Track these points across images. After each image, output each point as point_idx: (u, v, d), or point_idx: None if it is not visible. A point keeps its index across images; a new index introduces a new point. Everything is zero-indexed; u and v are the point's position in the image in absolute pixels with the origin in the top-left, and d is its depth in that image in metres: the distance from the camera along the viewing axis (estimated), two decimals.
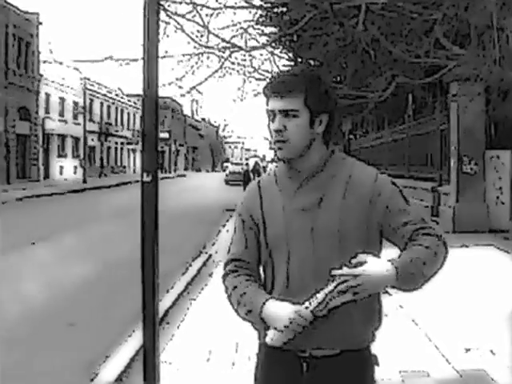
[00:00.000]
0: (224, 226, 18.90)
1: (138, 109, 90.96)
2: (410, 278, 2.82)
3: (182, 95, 18.30)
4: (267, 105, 2.82)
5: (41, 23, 56.82)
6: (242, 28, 17.11)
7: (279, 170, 2.92)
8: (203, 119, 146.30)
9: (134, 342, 7.13)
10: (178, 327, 8.13)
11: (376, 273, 2.64)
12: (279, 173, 2.91)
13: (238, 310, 2.87)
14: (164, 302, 9.10)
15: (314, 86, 2.79)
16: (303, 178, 2.80)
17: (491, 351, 6.79)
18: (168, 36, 14.59)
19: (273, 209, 2.84)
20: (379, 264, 2.67)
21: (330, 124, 2.86)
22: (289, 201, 2.80)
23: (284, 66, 26.70)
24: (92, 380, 6.38)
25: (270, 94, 2.79)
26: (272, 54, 20.30)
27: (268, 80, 2.87)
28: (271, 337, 2.71)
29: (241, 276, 2.90)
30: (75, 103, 67.04)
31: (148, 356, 4.42)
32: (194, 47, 16.12)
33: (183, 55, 16.49)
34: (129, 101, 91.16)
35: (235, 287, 2.88)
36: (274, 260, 2.85)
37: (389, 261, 2.69)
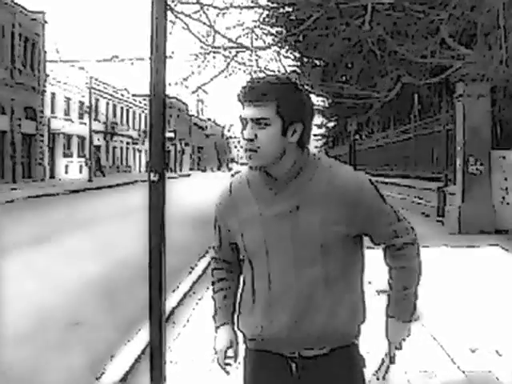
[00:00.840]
0: None
1: (143, 109, 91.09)
2: (412, 308, 3.15)
3: (193, 92, 18.33)
4: (241, 110, 2.75)
5: (47, 22, 56.85)
6: (248, 28, 17.12)
7: (251, 176, 2.86)
8: (209, 119, 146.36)
9: (140, 341, 7.14)
10: (183, 326, 8.14)
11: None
12: (252, 178, 2.85)
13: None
14: (170, 302, 9.09)
15: (288, 94, 2.71)
16: (280, 184, 2.75)
17: (497, 352, 6.78)
18: (171, 33, 14.58)
19: (249, 216, 2.81)
20: (399, 332, 3.15)
21: (305, 132, 2.78)
22: (266, 207, 2.76)
23: (290, 65, 26.74)
24: (98, 379, 6.38)
25: (242, 101, 2.73)
26: (278, 53, 20.32)
27: (244, 84, 2.77)
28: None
29: (220, 281, 3.13)
30: (81, 103, 67.17)
31: (154, 355, 4.43)
32: (201, 47, 16.15)
33: (190, 55, 16.52)
34: (134, 100, 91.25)
35: (215, 291, 3.15)
36: (253, 265, 2.86)
37: (394, 317, 3.04)
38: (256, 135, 2.68)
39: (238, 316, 3.03)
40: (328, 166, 2.80)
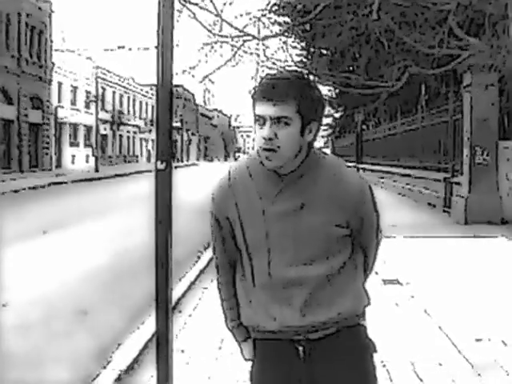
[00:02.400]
0: None
1: (150, 98, 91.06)
2: None
3: (201, 81, 18.30)
4: (254, 108, 2.69)
5: (53, 12, 56.86)
6: (255, 17, 17.08)
7: (253, 167, 2.81)
8: (215, 109, 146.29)
9: (147, 329, 7.16)
10: (190, 315, 8.15)
11: None
12: (254, 170, 2.79)
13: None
14: (176, 291, 9.10)
15: (308, 93, 2.68)
16: (285, 181, 2.73)
17: (503, 342, 6.78)
18: (178, 21, 14.56)
19: (251, 210, 2.77)
20: None
21: (318, 131, 2.77)
22: (269, 203, 2.73)
23: (297, 55, 26.70)
24: (104, 367, 6.40)
25: (259, 98, 2.66)
26: (285, 43, 20.26)
27: (262, 81, 2.72)
28: None
29: (231, 299, 3.01)
30: (87, 92, 67.20)
31: (161, 344, 4.43)
32: (208, 36, 16.13)
33: (197, 44, 16.52)
34: (141, 90, 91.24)
35: (226, 307, 3.07)
36: (253, 261, 2.83)
37: None
38: (276, 134, 2.62)
39: (226, 313, 3.06)
40: (333, 168, 2.79)
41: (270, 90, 2.64)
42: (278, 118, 2.62)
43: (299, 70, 20.88)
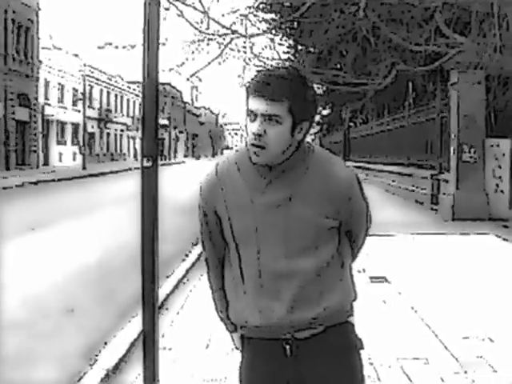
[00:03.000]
0: None
1: (137, 95, 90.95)
2: None
3: (188, 79, 18.27)
4: (247, 102, 2.67)
5: (40, 9, 56.65)
6: (242, 15, 17.06)
7: (241, 160, 2.80)
8: (203, 106, 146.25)
9: (134, 327, 7.14)
10: (177, 313, 8.15)
11: None
12: (242, 163, 2.79)
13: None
14: (164, 289, 9.10)
15: (301, 93, 2.67)
16: (274, 173, 2.72)
17: (490, 339, 6.81)
18: (165, 19, 14.53)
19: (239, 202, 2.75)
20: None
21: (309, 129, 2.77)
22: (257, 195, 2.72)
23: (284, 52, 26.70)
24: (91, 365, 6.39)
25: (253, 93, 2.64)
26: (272, 40, 20.26)
27: (257, 76, 2.70)
28: None
29: (220, 290, 3.00)
30: (75, 90, 67.06)
31: (147, 342, 4.43)
32: (194, 34, 16.10)
33: (184, 41, 16.48)
34: (128, 87, 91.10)
35: (216, 298, 3.05)
36: (241, 254, 2.81)
37: None
38: (265, 131, 2.61)
39: (216, 304, 3.04)
40: (322, 160, 2.79)
41: (264, 86, 2.62)
42: (270, 115, 2.60)
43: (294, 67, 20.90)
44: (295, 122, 2.65)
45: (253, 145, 2.64)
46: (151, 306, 4.38)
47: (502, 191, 17.38)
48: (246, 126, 2.71)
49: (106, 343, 7.09)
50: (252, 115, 2.65)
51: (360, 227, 2.96)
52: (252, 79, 2.71)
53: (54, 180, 38.92)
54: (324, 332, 2.80)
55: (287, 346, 2.79)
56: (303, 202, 2.70)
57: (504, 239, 13.64)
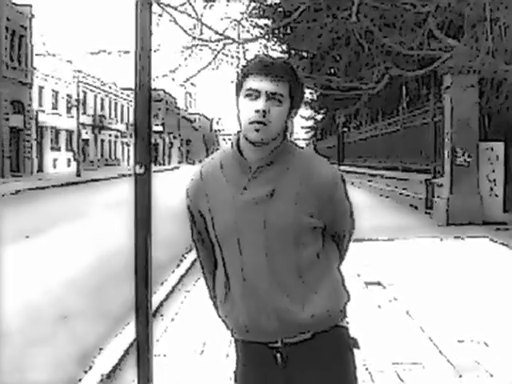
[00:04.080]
0: None
1: (131, 102, 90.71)
2: None
3: (181, 85, 18.28)
4: (245, 83, 2.71)
5: (34, 16, 56.61)
6: (235, 20, 17.07)
7: (224, 159, 2.83)
8: (197, 112, 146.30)
9: (129, 334, 7.13)
10: (172, 320, 8.13)
11: None
12: (225, 161, 2.82)
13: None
14: (158, 295, 9.09)
15: (298, 78, 2.76)
16: (255, 168, 2.72)
17: (485, 343, 6.80)
18: (158, 25, 14.53)
19: (220, 200, 2.77)
20: None
21: (292, 119, 2.84)
22: (238, 192, 2.72)
23: (278, 58, 26.69)
24: (86, 372, 6.37)
25: (256, 72, 2.68)
26: (265, 46, 20.28)
27: (257, 57, 2.77)
28: None
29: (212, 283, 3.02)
30: (69, 96, 66.97)
31: (141, 348, 4.42)
32: (187, 41, 16.10)
33: (177, 48, 16.47)
34: (122, 94, 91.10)
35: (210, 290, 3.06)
36: (224, 254, 2.82)
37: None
38: (269, 110, 2.66)
39: (215, 303, 3.02)
40: (305, 157, 2.81)
41: (269, 65, 2.69)
42: (274, 93, 2.66)
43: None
44: (292, 105, 2.73)
45: (256, 122, 2.66)
46: (145, 313, 4.37)
47: (496, 195, 17.41)
48: (239, 107, 2.73)
49: (100, 349, 7.08)
50: (254, 94, 2.68)
51: (344, 228, 2.95)
52: (251, 60, 2.77)
53: (48, 187, 38.85)
54: (314, 337, 2.78)
55: (278, 354, 2.78)
56: (284, 199, 2.70)
57: (499, 243, 13.64)
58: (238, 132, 2.80)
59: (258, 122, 2.65)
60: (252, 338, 2.81)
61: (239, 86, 2.74)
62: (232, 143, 2.81)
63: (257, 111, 2.65)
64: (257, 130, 2.66)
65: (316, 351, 2.79)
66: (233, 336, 2.98)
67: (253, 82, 2.68)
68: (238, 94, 2.76)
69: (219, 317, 3.02)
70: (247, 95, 2.69)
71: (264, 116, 2.65)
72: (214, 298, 3.01)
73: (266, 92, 2.66)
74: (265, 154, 2.73)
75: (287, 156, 2.76)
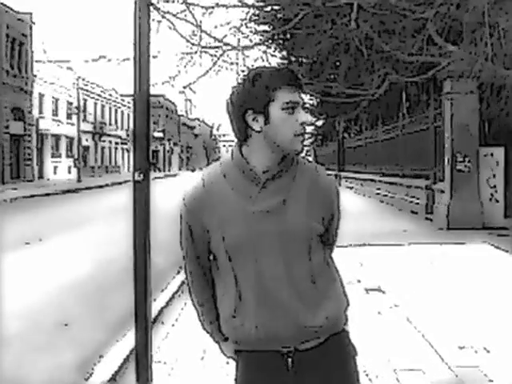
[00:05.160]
0: None
1: (131, 108, 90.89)
2: None
3: (181, 92, 18.31)
4: (273, 96, 2.65)
5: (34, 23, 56.72)
6: (234, 27, 17.07)
7: (227, 170, 2.78)
8: (197, 119, 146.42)
9: (128, 341, 7.11)
10: (172, 326, 8.12)
11: None
12: (229, 173, 2.76)
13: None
14: (158, 302, 9.08)
15: None
16: (264, 178, 2.71)
17: (485, 349, 6.79)
18: (158, 31, 14.53)
19: (229, 211, 2.72)
20: None
21: None
22: (250, 203, 2.69)
23: (278, 64, 26.73)
24: (86, 379, 6.36)
25: (290, 85, 2.67)
26: (265, 52, 20.26)
27: (283, 69, 2.75)
28: None
29: (208, 302, 2.98)
30: (69, 103, 67.03)
31: (140, 356, 4.42)
32: (187, 46, 16.09)
33: (176, 54, 16.47)
34: (123, 100, 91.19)
35: (204, 313, 3.03)
36: (235, 266, 2.76)
37: None
38: None
39: (218, 320, 2.95)
40: (308, 168, 2.84)
41: (297, 78, 2.71)
42: (304, 104, 2.73)
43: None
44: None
45: (301, 134, 2.69)
46: (144, 320, 4.36)
47: (496, 200, 17.41)
48: (273, 120, 2.67)
49: (100, 357, 7.07)
50: (292, 107, 2.67)
51: (334, 236, 3.01)
52: (278, 70, 2.75)
53: (48, 193, 38.86)
54: (324, 343, 2.79)
55: (289, 360, 2.76)
56: (296, 207, 2.71)
57: (499, 248, 13.63)
58: (240, 141, 2.77)
59: (303, 134, 2.70)
60: (264, 346, 2.78)
61: (269, 100, 2.67)
62: (233, 152, 2.78)
63: (302, 123, 2.67)
64: (302, 142, 2.70)
65: (326, 356, 2.80)
66: (221, 341, 3.00)
67: (290, 95, 2.67)
68: (259, 108, 2.68)
69: (210, 331, 3.03)
70: (287, 108, 2.66)
71: (305, 128, 2.71)
72: (207, 311, 2.99)
73: (302, 104, 2.70)
74: (275, 161, 2.73)
75: (292, 166, 2.77)
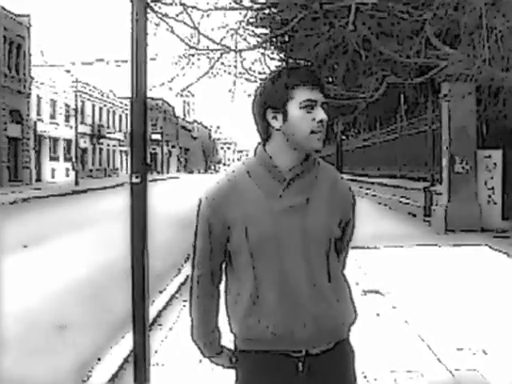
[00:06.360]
0: None
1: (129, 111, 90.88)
2: None
3: (178, 94, 18.28)
4: (290, 95, 2.70)
5: (32, 26, 56.66)
6: (232, 29, 17.08)
7: (252, 168, 2.80)
8: (195, 121, 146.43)
9: (127, 344, 7.11)
10: (170, 329, 8.12)
11: None
12: (253, 171, 2.78)
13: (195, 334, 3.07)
14: (157, 304, 9.08)
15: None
16: (289, 177, 2.73)
17: (483, 351, 6.79)
18: (155, 34, 14.54)
19: (254, 208, 2.72)
20: None
21: None
22: (275, 200, 2.71)
23: (276, 66, 26.75)
24: (84, 382, 6.36)
25: (309, 84, 2.71)
26: (263, 54, 20.27)
27: (302, 68, 2.79)
28: None
29: (209, 313, 2.97)
30: (67, 105, 67.00)
31: (138, 358, 4.41)
32: (185, 49, 16.11)
33: (174, 57, 16.49)
34: (121, 103, 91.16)
35: (203, 323, 3.00)
36: (256, 264, 2.75)
37: None
38: None
39: (229, 320, 2.89)
40: (328, 169, 2.90)
41: (315, 77, 2.75)
42: (324, 103, 2.74)
43: None
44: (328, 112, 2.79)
45: (318, 131, 2.72)
46: (142, 323, 4.36)
47: (494, 202, 17.41)
48: (290, 118, 2.72)
49: (99, 359, 7.06)
50: (310, 105, 2.71)
51: (348, 241, 3.02)
52: (297, 68, 2.79)
53: (47, 196, 38.83)
54: (334, 348, 2.81)
55: (299, 363, 2.76)
56: (317, 207, 2.75)
57: (497, 251, 13.63)
58: (264, 140, 2.82)
59: (321, 132, 2.72)
60: (277, 346, 2.76)
61: (287, 98, 2.72)
62: (256, 151, 2.83)
63: (320, 121, 2.70)
64: (319, 139, 2.72)
65: (334, 361, 2.82)
66: (215, 355, 2.99)
67: (309, 93, 2.70)
68: (279, 106, 2.74)
69: (203, 344, 3.00)
70: (305, 106, 2.70)
71: (323, 125, 2.72)
72: (206, 322, 2.97)
73: (321, 103, 2.74)
74: (300, 159, 2.76)
75: (314, 166, 2.82)
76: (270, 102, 2.75)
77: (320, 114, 2.71)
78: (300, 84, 2.70)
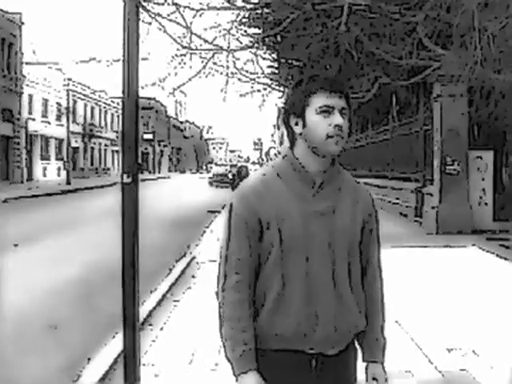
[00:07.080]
0: (207, 227, 18.91)
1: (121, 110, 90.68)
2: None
3: (171, 93, 18.26)
4: (309, 101, 2.80)
5: (23, 24, 56.50)
6: (224, 29, 17.08)
7: (282, 170, 2.87)
8: (187, 121, 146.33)
9: (117, 344, 7.10)
10: (161, 329, 8.11)
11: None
12: (283, 173, 2.85)
13: (225, 344, 2.84)
14: (147, 304, 9.07)
15: (349, 93, 2.90)
16: (319, 182, 2.82)
17: (474, 351, 6.81)
18: (148, 34, 14.52)
19: (286, 207, 2.78)
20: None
21: None
22: (304, 202, 2.79)
23: (268, 66, 26.77)
24: (74, 382, 6.35)
25: (326, 90, 2.79)
26: (255, 54, 20.29)
27: (321, 74, 2.90)
28: None
29: (247, 319, 2.81)
30: (58, 104, 66.75)
31: (128, 358, 4.40)
32: (177, 49, 16.09)
33: (166, 56, 16.50)
34: (112, 102, 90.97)
35: (239, 329, 2.80)
36: (285, 264, 2.78)
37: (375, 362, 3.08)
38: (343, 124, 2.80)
39: (254, 318, 2.84)
40: (350, 178, 3.01)
41: (335, 83, 2.83)
42: (344, 109, 2.81)
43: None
44: (350, 118, 2.86)
45: (333, 135, 2.77)
46: (132, 323, 4.35)
47: (485, 203, 17.45)
48: (308, 124, 2.81)
49: (89, 359, 7.05)
50: (328, 111, 2.78)
51: (374, 250, 3.08)
52: (316, 76, 2.89)
53: (38, 195, 38.73)
54: (346, 349, 2.90)
55: (313, 361, 2.82)
56: (342, 214, 2.84)
57: (488, 251, 13.66)
58: (291, 144, 2.92)
59: (338, 136, 2.77)
60: (296, 345, 2.80)
61: (305, 104, 2.82)
62: (285, 155, 2.91)
63: (336, 126, 2.77)
64: (337, 143, 2.78)
65: (344, 363, 2.92)
66: (239, 365, 2.80)
67: (326, 99, 2.79)
68: (298, 112, 2.85)
69: (236, 356, 2.78)
70: (322, 111, 2.79)
71: (341, 129, 2.77)
72: (242, 331, 2.79)
73: (339, 108, 2.79)
74: (326, 165, 2.85)
75: (338, 173, 2.94)
76: (291, 108, 2.88)
77: (336, 118, 2.77)
78: (317, 91, 2.80)
